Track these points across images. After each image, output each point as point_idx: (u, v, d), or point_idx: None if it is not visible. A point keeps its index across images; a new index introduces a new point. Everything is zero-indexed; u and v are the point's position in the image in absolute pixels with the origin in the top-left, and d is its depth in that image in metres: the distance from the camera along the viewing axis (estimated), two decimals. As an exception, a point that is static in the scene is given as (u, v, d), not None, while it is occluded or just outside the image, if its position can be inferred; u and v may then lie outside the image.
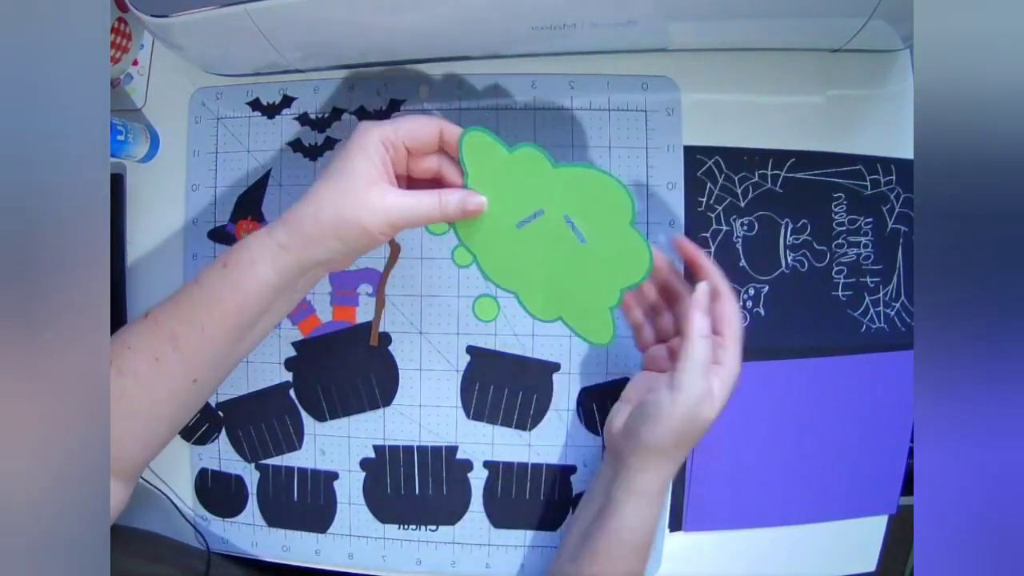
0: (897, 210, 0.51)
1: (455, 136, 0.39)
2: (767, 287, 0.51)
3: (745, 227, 0.51)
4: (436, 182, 0.41)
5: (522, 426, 0.52)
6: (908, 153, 0.51)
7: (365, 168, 0.37)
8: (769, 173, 0.51)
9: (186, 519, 0.54)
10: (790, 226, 0.51)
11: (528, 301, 0.41)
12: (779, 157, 0.51)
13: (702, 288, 0.40)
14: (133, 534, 0.53)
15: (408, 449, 0.53)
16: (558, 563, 0.46)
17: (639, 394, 0.43)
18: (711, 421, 0.40)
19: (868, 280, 0.51)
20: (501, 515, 0.52)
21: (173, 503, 0.54)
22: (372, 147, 0.37)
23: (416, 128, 0.39)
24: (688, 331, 0.39)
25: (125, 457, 0.40)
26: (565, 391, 0.51)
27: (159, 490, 0.54)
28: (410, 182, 0.42)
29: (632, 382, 0.45)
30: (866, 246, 0.51)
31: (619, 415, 0.44)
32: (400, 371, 0.52)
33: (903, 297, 0.51)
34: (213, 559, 0.52)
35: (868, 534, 0.52)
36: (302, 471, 0.54)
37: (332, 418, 0.53)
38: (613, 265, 0.39)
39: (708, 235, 0.51)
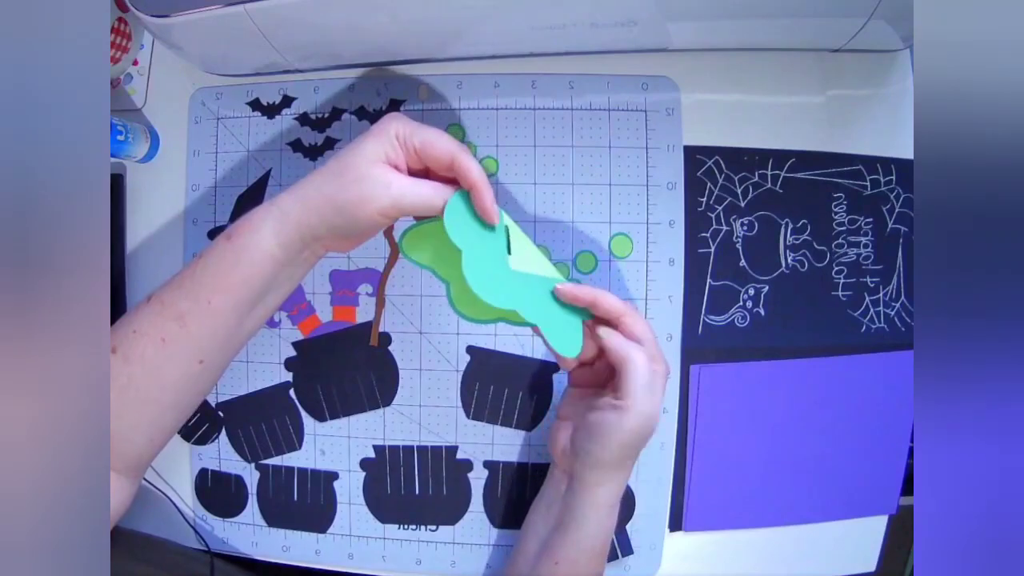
0: (897, 210, 0.51)
1: (465, 168, 0.38)
2: (767, 287, 0.51)
3: (745, 227, 0.51)
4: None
5: (522, 426, 0.52)
6: (908, 153, 0.51)
7: (374, 149, 0.38)
8: (769, 173, 0.51)
9: (187, 522, 0.54)
10: (790, 226, 0.51)
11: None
12: (779, 157, 0.51)
13: (619, 309, 0.41)
14: (135, 538, 0.53)
15: (408, 449, 0.53)
16: (514, 568, 0.46)
17: (577, 411, 0.44)
18: (654, 427, 0.41)
19: (868, 280, 0.51)
20: (501, 515, 0.52)
21: (176, 506, 0.54)
22: (386, 135, 0.38)
23: (433, 140, 0.38)
24: (624, 355, 0.40)
25: (130, 452, 0.40)
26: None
27: (162, 492, 0.54)
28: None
29: (565, 399, 0.46)
30: (866, 246, 0.51)
31: (562, 432, 0.44)
32: (400, 371, 0.52)
33: (903, 297, 0.51)
34: (215, 562, 0.52)
35: (868, 534, 0.52)
36: (302, 471, 0.54)
37: (332, 418, 0.53)
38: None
39: (708, 235, 0.51)
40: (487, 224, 0.39)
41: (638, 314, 0.42)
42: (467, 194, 0.39)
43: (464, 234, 0.39)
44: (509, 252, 0.41)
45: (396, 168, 0.38)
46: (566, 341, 0.42)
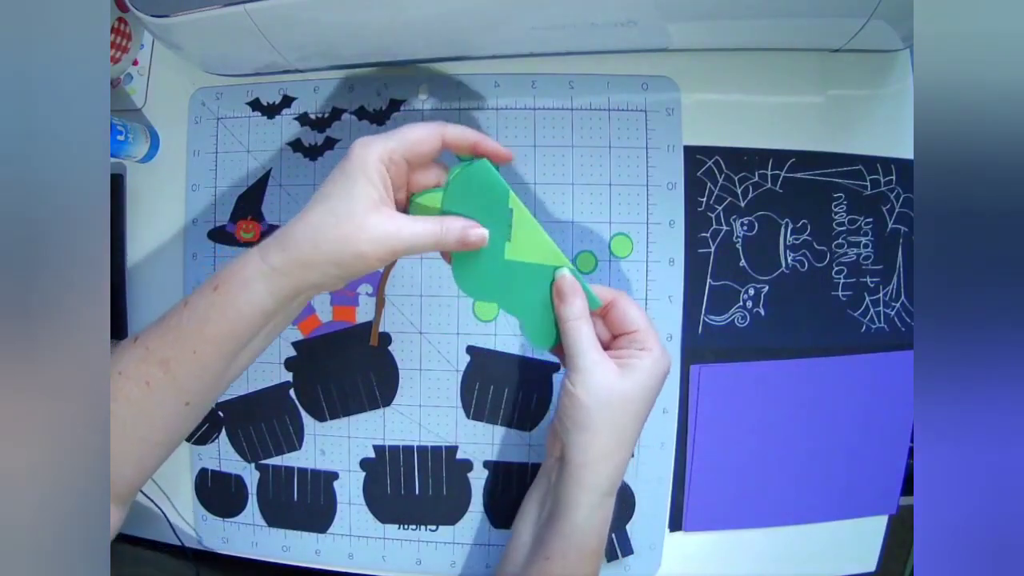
0: (897, 210, 0.51)
1: (456, 138, 0.39)
2: (767, 287, 0.51)
3: (745, 227, 0.51)
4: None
5: (522, 426, 0.52)
6: (908, 153, 0.51)
7: (366, 192, 0.36)
8: (769, 173, 0.51)
9: (171, 526, 0.54)
10: (790, 226, 0.51)
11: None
12: (779, 157, 0.51)
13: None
14: (122, 541, 0.53)
15: (408, 449, 0.53)
16: (505, 566, 0.45)
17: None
18: (634, 397, 0.39)
19: (868, 280, 0.51)
20: (501, 515, 0.52)
21: (160, 509, 0.54)
22: (372, 167, 0.36)
23: (416, 140, 0.38)
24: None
25: (119, 483, 0.40)
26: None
27: (148, 496, 0.54)
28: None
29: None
30: (866, 246, 0.51)
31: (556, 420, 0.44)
32: (400, 371, 0.52)
33: (903, 297, 0.51)
34: (204, 568, 0.52)
35: (868, 534, 0.52)
36: (302, 471, 0.54)
37: (332, 418, 0.53)
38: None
39: (708, 235, 0.51)
40: (487, 206, 0.39)
41: (628, 298, 0.42)
42: (466, 172, 0.39)
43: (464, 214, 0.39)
44: (509, 238, 0.40)
45: (390, 201, 0.37)
46: (542, 333, 0.41)
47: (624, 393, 0.39)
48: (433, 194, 0.40)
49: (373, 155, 0.36)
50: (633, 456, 0.51)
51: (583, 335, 0.40)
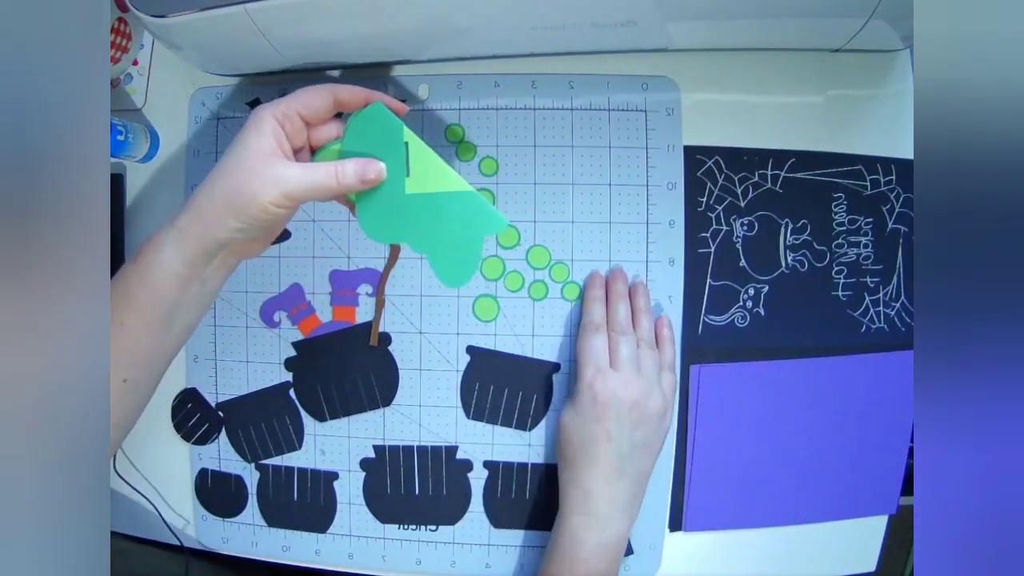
0: (897, 210, 0.51)
1: (350, 96, 0.40)
2: (767, 287, 0.51)
3: (745, 227, 0.51)
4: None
5: (522, 426, 0.52)
6: (908, 153, 0.51)
7: (257, 143, 0.37)
8: (769, 173, 0.51)
9: (164, 521, 0.54)
10: (790, 226, 0.51)
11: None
12: (779, 157, 0.51)
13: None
14: (112, 540, 0.53)
15: (408, 449, 0.53)
16: (547, 565, 0.46)
17: None
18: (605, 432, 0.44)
19: (868, 280, 0.51)
20: (501, 515, 0.52)
21: (153, 504, 0.54)
22: (265, 123, 0.38)
23: (309, 98, 0.39)
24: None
25: None
26: (565, 391, 0.51)
27: (138, 491, 0.54)
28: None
29: None
30: (866, 246, 0.51)
31: None
32: (400, 371, 0.52)
33: (903, 297, 0.51)
34: (193, 562, 0.52)
35: (868, 534, 0.52)
36: (302, 471, 0.54)
37: (332, 418, 0.53)
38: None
39: (708, 235, 0.51)
40: (384, 146, 0.40)
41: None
42: (360, 115, 0.40)
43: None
44: (408, 173, 0.40)
45: (284, 153, 0.38)
46: (455, 270, 0.41)
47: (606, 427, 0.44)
48: (333, 147, 0.41)
49: (265, 112, 0.38)
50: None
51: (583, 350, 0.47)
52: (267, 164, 0.37)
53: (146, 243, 0.39)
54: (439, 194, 0.40)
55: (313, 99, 0.39)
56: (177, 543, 0.54)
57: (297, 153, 0.40)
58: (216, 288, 0.42)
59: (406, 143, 0.40)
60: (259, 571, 0.56)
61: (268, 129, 0.38)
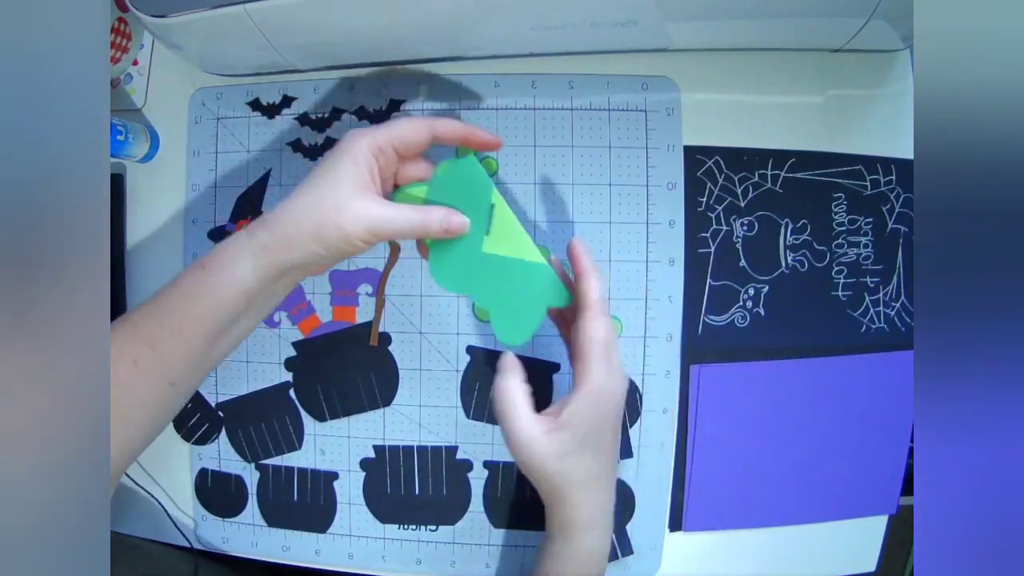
0: (897, 210, 0.51)
1: (446, 131, 0.40)
2: (767, 287, 0.51)
3: (745, 227, 0.51)
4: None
5: (522, 426, 0.52)
6: (908, 153, 0.51)
7: (351, 173, 0.37)
8: (769, 173, 0.51)
9: (172, 521, 0.54)
10: (790, 226, 0.51)
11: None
12: (779, 157, 0.51)
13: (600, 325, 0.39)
14: (118, 539, 0.53)
15: (408, 449, 0.53)
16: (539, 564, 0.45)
17: None
18: (561, 452, 0.39)
19: (868, 280, 0.51)
20: (501, 515, 0.52)
21: (161, 505, 0.54)
22: (360, 153, 0.37)
23: (405, 132, 0.39)
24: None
25: None
26: (565, 391, 0.51)
27: (147, 491, 0.54)
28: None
29: None
30: (866, 246, 0.51)
31: None
32: (400, 371, 0.52)
33: (903, 297, 0.51)
34: (203, 562, 0.52)
35: (868, 534, 0.52)
36: (302, 471, 0.54)
37: (332, 418, 0.53)
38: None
39: (708, 235, 0.51)
40: (469, 200, 0.40)
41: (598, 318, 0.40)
42: (452, 165, 0.40)
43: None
44: (488, 232, 0.41)
45: (375, 187, 0.38)
46: (515, 330, 0.42)
47: (546, 456, 0.39)
48: (418, 187, 0.41)
49: (362, 142, 0.38)
50: (632, 457, 0.51)
51: (507, 396, 0.40)
52: (359, 198, 0.37)
53: (217, 253, 0.39)
54: (513, 259, 0.41)
55: (410, 133, 0.39)
56: (187, 544, 0.54)
57: (384, 187, 0.40)
58: (279, 302, 0.42)
59: (492, 204, 0.40)
60: (262, 572, 0.56)
61: (363, 161, 0.37)
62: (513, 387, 0.40)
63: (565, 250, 0.41)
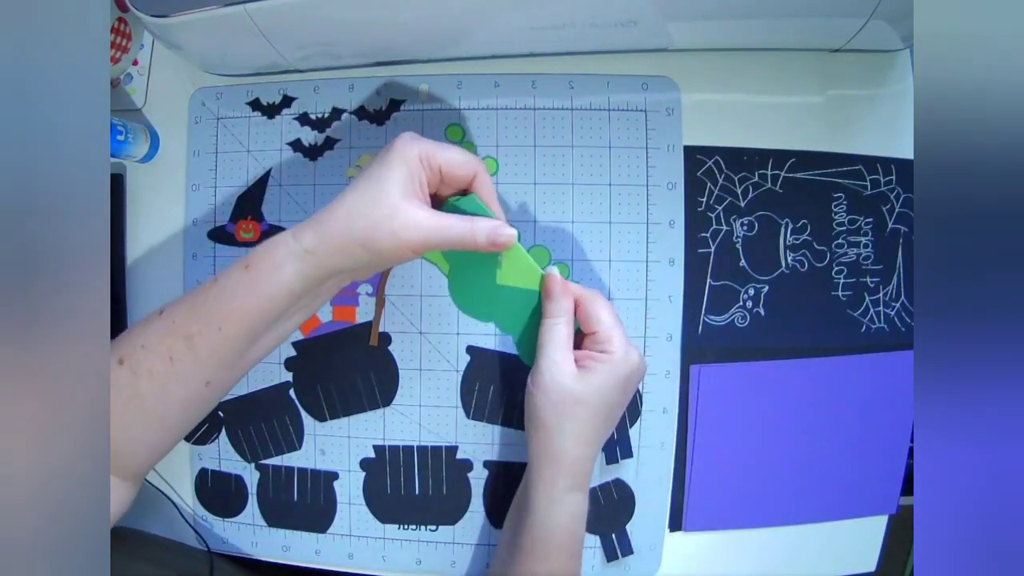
0: (897, 210, 0.51)
1: (482, 190, 0.40)
2: (767, 287, 0.51)
3: (745, 227, 0.51)
4: None
5: (522, 426, 0.52)
6: (908, 153, 0.51)
7: (404, 179, 0.37)
8: (769, 173, 0.51)
9: (187, 521, 0.54)
10: (790, 226, 0.51)
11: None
12: (779, 157, 0.51)
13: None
14: (134, 536, 0.53)
15: (408, 449, 0.53)
16: (494, 565, 0.46)
17: None
18: (587, 399, 0.40)
19: (868, 280, 0.51)
20: (501, 515, 0.52)
21: (175, 504, 0.54)
22: (412, 160, 0.37)
23: (457, 160, 0.39)
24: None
25: (133, 461, 0.40)
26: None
27: (161, 491, 0.54)
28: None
29: None
30: (866, 246, 0.51)
31: None
32: (400, 371, 0.52)
33: (903, 297, 0.51)
34: (215, 561, 0.52)
35: (868, 534, 0.52)
36: (302, 471, 0.54)
37: (332, 418, 0.53)
38: None
39: (708, 235, 0.51)
40: None
41: (599, 299, 0.42)
42: (456, 203, 0.41)
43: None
44: (500, 266, 0.42)
45: (423, 196, 0.38)
46: (533, 350, 0.43)
47: (577, 395, 0.40)
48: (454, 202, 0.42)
49: (415, 149, 0.37)
50: (632, 457, 0.51)
51: (555, 335, 0.41)
52: (410, 206, 0.36)
53: (262, 252, 0.38)
54: (526, 289, 0.43)
55: (459, 163, 0.39)
56: (202, 545, 0.54)
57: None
58: (322, 304, 0.42)
59: None
60: (273, 572, 0.56)
61: (414, 166, 0.37)
62: (560, 324, 0.41)
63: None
